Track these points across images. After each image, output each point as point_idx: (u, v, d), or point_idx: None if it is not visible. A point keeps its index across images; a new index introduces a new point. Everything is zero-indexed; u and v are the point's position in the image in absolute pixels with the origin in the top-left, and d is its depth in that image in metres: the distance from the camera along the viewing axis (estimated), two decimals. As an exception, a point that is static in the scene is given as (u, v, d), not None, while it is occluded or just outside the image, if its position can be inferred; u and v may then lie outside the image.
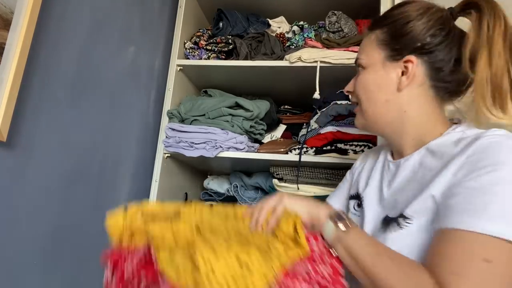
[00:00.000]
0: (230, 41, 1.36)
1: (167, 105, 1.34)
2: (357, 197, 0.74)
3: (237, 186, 1.45)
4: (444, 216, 0.52)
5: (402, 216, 0.58)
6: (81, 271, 0.99)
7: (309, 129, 1.29)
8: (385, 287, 0.51)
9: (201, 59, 1.38)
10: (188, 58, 1.40)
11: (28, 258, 0.80)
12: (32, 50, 0.75)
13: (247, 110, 1.29)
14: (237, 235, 0.59)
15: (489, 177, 0.50)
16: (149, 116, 1.31)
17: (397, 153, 0.70)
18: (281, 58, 1.30)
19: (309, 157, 1.19)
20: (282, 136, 1.48)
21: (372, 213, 0.67)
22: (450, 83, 0.64)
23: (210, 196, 1.55)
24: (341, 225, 0.59)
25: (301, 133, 1.35)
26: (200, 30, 1.46)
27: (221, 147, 1.24)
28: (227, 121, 1.28)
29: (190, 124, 1.31)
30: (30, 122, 0.78)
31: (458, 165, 0.54)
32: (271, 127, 1.48)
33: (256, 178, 1.43)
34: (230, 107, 1.29)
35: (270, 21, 1.46)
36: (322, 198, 0.87)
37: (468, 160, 0.53)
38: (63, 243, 0.91)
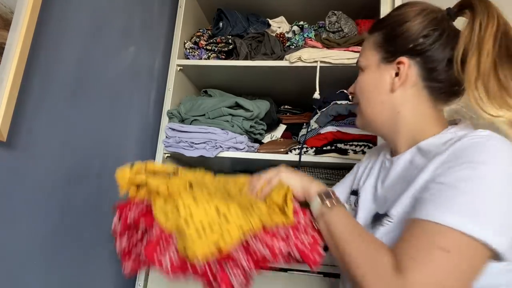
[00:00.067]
0: (230, 41, 1.36)
1: (167, 105, 1.34)
2: (356, 194, 0.76)
3: (237, 186, 1.45)
4: (415, 208, 0.55)
5: (386, 214, 0.61)
6: (81, 271, 0.99)
7: (309, 129, 1.29)
8: (350, 263, 0.54)
9: (201, 59, 1.38)
10: (188, 58, 1.40)
11: (28, 258, 0.80)
12: (32, 50, 0.75)
13: (247, 110, 1.29)
14: (224, 193, 0.64)
15: (462, 174, 0.52)
16: (149, 116, 1.31)
17: (393, 152, 0.71)
18: (281, 58, 1.30)
19: (309, 157, 1.19)
20: (282, 136, 1.48)
21: (365, 210, 0.69)
22: (443, 83, 0.64)
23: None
24: (327, 202, 0.62)
25: (301, 133, 1.35)
26: (200, 30, 1.46)
27: (221, 147, 1.24)
28: (227, 121, 1.28)
29: (190, 124, 1.31)
30: (30, 122, 0.78)
31: (438, 163, 0.56)
32: (271, 127, 1.48)
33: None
34: (230, 107, 1.29)
35: (270, 21, 1.46)
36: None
37: (448, 159, 0.55)
38: (63, 243, 0.91)
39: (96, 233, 1.04)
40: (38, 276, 0.83)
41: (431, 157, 0.59)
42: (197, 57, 1.39)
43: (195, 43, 1.41)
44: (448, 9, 0.67)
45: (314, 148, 1.21)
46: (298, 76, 1.32)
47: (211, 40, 1.39)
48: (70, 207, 0.92)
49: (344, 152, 1.17)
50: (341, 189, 0.83)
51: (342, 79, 1.24)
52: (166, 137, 1.30)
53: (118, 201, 0.63)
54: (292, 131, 1.50)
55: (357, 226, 0.60)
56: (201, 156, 1.24)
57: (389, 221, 0.60)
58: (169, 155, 1.32)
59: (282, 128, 1.51)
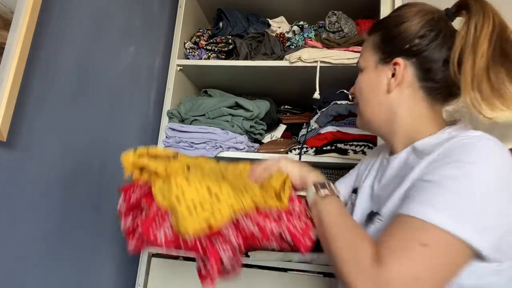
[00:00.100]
0: (230, 41, 1.36)
1: (167, 105, 1.34)
2: (356, 192, 0.77)
3: (237, 186, 1.45)
4: (401, 204, 0.56)
5: (378, 213, 0.62)
6: (81, 271, 0.99)
7: (309, 129, 1.29)
8: (334, 252, 0.55)
9: (201, 59, 1.38)
10: (188, 58, 1.40)
11: (28, 258, 0.80)
12: (32, 50, 0.75)
13: (247, 110, 1.29)
14: (219, 175, 0.67)
15: (448, 173, 0.53)
16: (149, 116, 1.31)
17: (392, 152, 0.72)
18: (281, 58, 1.30)
19: (309, 157, 1.19)
20: (282, 136, 1.48)
21: (361, 208, 0.71)
22: (440, 83, 0.65)
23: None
24: (321, 192, 0.65)
25: (301, 133, 1.35)
26: (200, 30, 1.46)
27: (221, 147, 1.24)
28: (227, 121, 1.28)
29: (190, 124, 1.31)
30: (30, 122, 0.78)
31: (427, 162, 0.57)
32: (271, 127, 1.48)
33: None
34: (230, 107, 1.29)
35: (270, 21, 1.46)
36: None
37: (436, 158, 0.57)
38: (63, 243, 0.91)
39: (96, 233, 1.04)
40: (38, 276, 0.83)
41: (423, 157, 0.60)
42: (197, 57, 1.39)
43: (195, 43, 1.41)
44: (447, 9, 0.67)
45: (314, 148, 1.21)
46: (298, 76, 1.32)
47: (211, 40, 1.39)
48: (70, 207, 0.92)
49: (344, 152, 1.17)
50: (344, 184, 0.84)
51: (342, 79, 1.24)
52: (166, 137, 1.31)
53: (123, 183, 0.67)
54: (292, 131, 1.50)
55: (347, 217, 0.61)
56: (201, 156, 1.24)
57: (380, 220, 0.61)
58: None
59: (282, 128, 1.51)
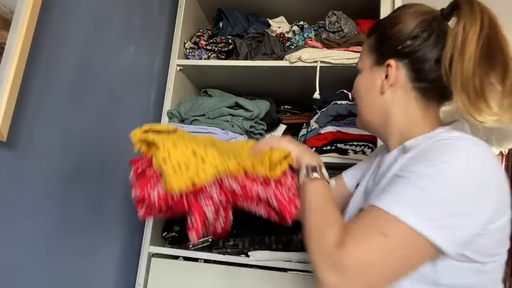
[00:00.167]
0: (230, 41, 1.36)
1: (167, 105, 1.34)
2: (356, 188, 0.79)
3: (237, 186, 1.45)
4: (375, 196, 0.58)
5: (362, 209, 0.65)
6: (81, 270, 0.99)
7: (309, 129, 1.29)
8: (307, 230, 0.59)
9: (201, 59, 1.38)
10: (188, 58, 1.40)
11: (28, 258, 0.80)
12: (32, 50, 0.75)
13: (247, 110, 1.29)
14: (210, 143, 0.71)
15: (419, 169, 0.54)
16: (149, 116, 1.31)
17: (388, 151, 0.73)
18: (281, 58, 1.30)
19: (309, 157, 1.19)
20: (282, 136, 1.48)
21: (356, 203, 0.73)
22: (432, 83, 0.65)
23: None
24: (311, 174, 0.67)
25: (301, 133, 1.35)
26: (200, 30, 1.46)
27: (221, 147, 1.24)
28: (227, 121, 1.28)
29: (190, 124, 1.31)
30: (30, 122, 0.78)
31: (406, 159, 0.60)
32: (271, 127, 1.48)
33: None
34: (230, 107, 1.29)
35: (270, 21, 1.46)
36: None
37: (415, 155, 0.59)
38: (63, 243, 0.91)
39: (96, 233, 1.04)
40: (38, 276, 0.83)
41: (405, 154, 0.62)
42: (197, 57, 1.39)
43: (195, 43, 1.41)
44: (442, 9, 0.67)
45: (314, 148, 1.21)
46: (298, 76, 1.32)
47: (211, 40, 1.39)
48: (70, 207, 0.92)
49: (344, 152, 1.17)
50: (350, 174, 0.87)
51: (342, 79, 1.24)
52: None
53: (133, 156, 0.74)
54: (292, 131, 1.49)
55: (327, 202, 0.63)
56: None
57: None
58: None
59: (282, 128, 1.51)
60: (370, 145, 1.16)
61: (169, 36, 1.39)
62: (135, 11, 1.19)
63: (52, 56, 0.84)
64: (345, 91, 1.28)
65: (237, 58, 1.33)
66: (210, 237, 1.24)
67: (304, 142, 1.23)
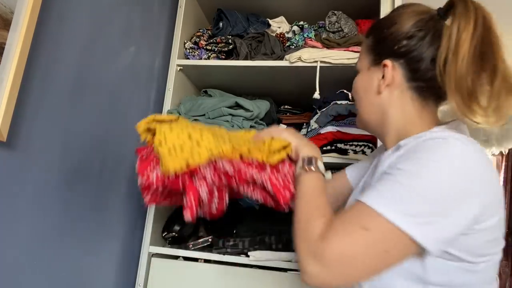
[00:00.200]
0: (230, 41, 1.35)
1: (167, 105, 1.34)
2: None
3: (237, 186, 1.45)
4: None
5: None
6: (81, 271, 0.99)
7: (309, 129, 1.29)
8: (295, 219, 0.61)
9: (201, 59, 1.38)
10: (188, 58, 1.40)
11: (28, 258, 0.80)
12: (32, 50, 0.75)
13: (247, 110, 1.29)
14: (208, 129, 0.72)
15: (405, 167, 0.55)
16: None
17: (386, 150, 0.74)
18: (281, 58, 1.30)
19: (309, 157, 1.19)
20: (282, 136, 1.48)
21: (351, 201, 0.74)
22: (429, 82, 0.65)
23: (210, 196, 1.55)
24: (306, 166, 0.68)
25: (301, 133, 1.35)
26: (200, 30, 1.46)
27: (221, 147, 1.24)
28: (227, 121, 1.28)
29: (190, 124, 1.30)
30: (30, 122, 0.78)
31: (396, 157, 0.61)
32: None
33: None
34: (230, 107, 1.29)
35: (270, 21, 1.46)
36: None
37: (403, 153, 0.59)
38: (63, 242, 0.91)
39: (96, 232, 1.04)
40: (38, 276, 0.83)
41: (396, 152, 0.62)
42: (197, 57, 1.39)
43: (195, 43, 1.41)
44: (439, 9, 0.67)
45: (314, 148, 1.20)
46: (298, 76, 1.32)
47: (211, 40, 1.39)
48: (70, 207, 0.92)
49: (344, 152, 1.17)
50: (354, 169, 0.87)
51: (342, 79, 1.24)
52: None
53: (139, 146, 0.78)
54: (292, 131, 1.49)
55: (319, 195, 0.64)
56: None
57: None
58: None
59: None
60: (370, 145, 1.16)
61: (169, 36, 1.39)
62: (135, 11, 1.19)
63: (52, 56, 0.84)
64: (345, 91, 1.28)
65: (237, 58, 1.33)
66: (210, 237, 1.24)
67: (304, 142, 1.23)
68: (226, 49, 1.36)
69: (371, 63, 0.71)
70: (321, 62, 1.20)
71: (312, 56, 1.20)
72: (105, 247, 1.10)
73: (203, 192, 0.67)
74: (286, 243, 1.16)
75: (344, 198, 0.83)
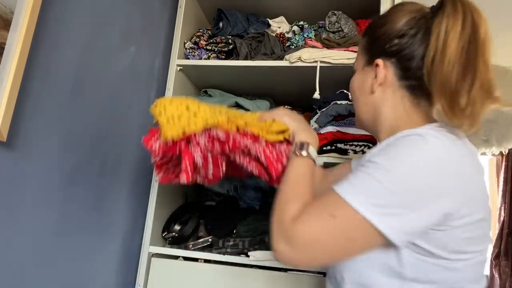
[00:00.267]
0: (230, 41, 1.35)
1: (167, 105, 1.34)
2: None
3: (237, 186, 1.45)
4: None
5: None
6: (81, 271, 0.99)
7: (309, 129, 1.29)
8: (276, 199, 0.64)
9: (201, 59, 1.38)
10: (188, 58, 1.40)
11: (28, 258, 0.80)
12: (32, 50, 0.75)
13: (247, 110, 1.29)
14: (208, 104, 0.77)
15: (377, 160, 0.57)
16: (149, 116, 1.31)
17: None
18: (281, 58, 1.30)
19: (309, 157, 1.19)
20: (282, 136, 1.48)
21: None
22: (419, 81, 0.64)
23: (210, 196, 1.55)
24: (297, 151, 0.71)
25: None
26: (200, 30, 1.46)
27: (221, 147, 1.24)
28: (227, 121, 1.28)
29: (190, 124, 1.30)
30: (30, 122, 0.78)
31: (372, 152, 0.62)
32: (271, 127, 1.48)
33: (256, 178, 1.43)
34: (230, 107, 1.29)
35: (270, 21, 1.46)
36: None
37: (381, 148, 0.61)
38: (63, 243, 0.91)
39: (96, 233, 1.04)
40: (38, 276, 0.83)
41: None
42: (197, 57, 1.39)
43: (195, 43, 1.41)
44: (432, 7, 0.66)
45: (314, 148, 1.20)
46: (298, 76, 1.32)
47: (211, 40, 1.39)
48: (70, 207, 0.92)
49: (344, 152, 1.17)
50: (358, 162, 0.88)
51: (342, 79, 1.24)
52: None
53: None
54: (292, 131, 1.49)
55: (304, 181, 0.67)
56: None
57: None
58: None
59: (282, 128, 1.51)
60: (370, 145, 1.16)
61: (169, 36, 1.39)
62: (135, 11, 1.19)
63: (52, 56, 0.84)
64: (345, 91, 1.28)
65: (237, 58, 1.33)
66: (210, 237, 1.24)
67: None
68: (226, 49, 1.36)
69: (365, 63, 0.72)
70: (321, 62, 1.20)
71: (312, 56, 1.21)
72: (105, 247, 1.10)
73: (198, 157, 0.72)
74: (286, 243, 1.16)
75: None
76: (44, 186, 0.83)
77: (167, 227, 1.30)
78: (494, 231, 3.31)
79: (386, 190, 0.54)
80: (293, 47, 1.36)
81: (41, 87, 0.81)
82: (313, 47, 1.26)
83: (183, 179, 0.71)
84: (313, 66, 1.21)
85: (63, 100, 0.88)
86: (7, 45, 0.69)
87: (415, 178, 0.54)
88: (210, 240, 1.23)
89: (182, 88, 1.43)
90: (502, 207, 3.21)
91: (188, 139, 0.72)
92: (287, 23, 1.49)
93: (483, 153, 2.27)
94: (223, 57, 1.38)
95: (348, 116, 1.22)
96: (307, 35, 1.36)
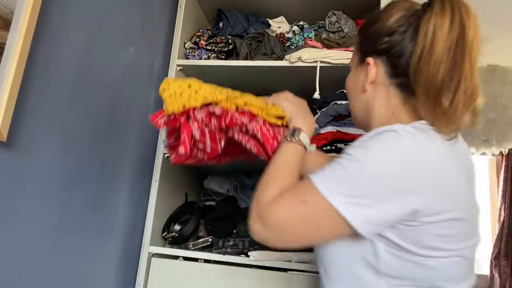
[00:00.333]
0: (230, 41, 1.35)
1: (167, 105, 1.34)
2: None
3: (237, 186, 1.45)
4: None
5: None
6: (81, 271, 0.99)
7: (309, 129, 1.29)
8: (261, 180, 0.67)
9: (201, 59, 1.38)
10: (188, 58, 1.40)
11: (28, 258, 0.80)
12: (32, 50, 0.75)
13: (247, 110, 1.29)
14: (211, 85, 0.82)
15: (349, 151, 0.59)
16: (149, 116, 1.31)
17: None
18: (281, 58, 1.30)
19: (309, 157, 1.19)
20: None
21: None
22: (408, 78, 0.64)
23: (210, 196, 1.55)
24: (289, 137, 0.73)
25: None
26: (200, 30, 1.46)
27: (221, 147, 1.24)
28: (227, 121, 1.28)
29: (190, 124, 1.30)
30: (30, 122, 0.78)
31: (351, 145, 0.63)
32: (271, 127, 1.48)
33: (256, 178, 1.43)
34: (230, 107, 1.29)
35: (270, 21, 1.46)
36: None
37: (358, 142, 0.62)
38: (63, 243, 0.91)
39: (95, 233, 1.04)
40: (38, 276, 0.83)
41: None
42: (197, 57, 1.39)
43: (195, 43, 1.41)
44: (423, 4, 0.66)
45: (314, 148, 1.20)
46: (298, 76, 1.32)
47: (211, 40, 1.39)
48: (70, 207, 0.92)
49: (344, 152, 1.17)
50: None
51: (342, 79, 1.22)
52: (166, 137, 1.30)
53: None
54: (292, 131, 1.49)
55: (288, 165, 0.69)
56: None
57: None
58: (169, 155, 1.31)
59: (282, 128, 1.51)
60: (370, 145, 1.15)
61: (169, 36, 1.39)
62: (135, 11, 1.19)
63: (52, 56, 0.84)
64: (345, 91, 1.28)
65: (237, 58, 1.33)
66: (210, 237, 1.24)
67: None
68: (226, 49, 1.36)
69: (358, 61, 0.73)
70: (321, 62, 1.20)
71: (312, 56, 1.21)
72: (105, 247, 1.10)
73: (195, 131, 0.77)
74: (286, 243, 1.16)
75: None
76: (44, 186, 0.84)
77: (167, 227, 1.30)
78: (494, 231, 3.31)
79: (355, 180, 0.56)
80: (293, 47, 1.36)
81: (41, 87, 0.81)
82: (313, 47, 1.26)
83: (181, 150, 0.75)
84: (313, 66, 1.21)
85: (63, 100, 0.88)
86: (7, 45, 0.69)
87: (384, 172, 0.56)
88: (210, 240, 1.23)
89: (182, 88, 1.43)
90: (502, 207, 3.22)
91: (188, 115, 0.77)
92: (287, 23, 1.49)
93: (483, 153, 2.28)
94: (223, 57, 1.38)
95: (348, 116, 1.22)
96: (307, 35, 1.36)
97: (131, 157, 1.20)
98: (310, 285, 1.10)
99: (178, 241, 1.27)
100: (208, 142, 0.79)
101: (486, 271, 3.21)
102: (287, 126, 0.78)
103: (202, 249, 1.23)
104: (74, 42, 0.91)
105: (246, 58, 1.31)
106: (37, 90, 0.80)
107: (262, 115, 0.77)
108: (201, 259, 1.20)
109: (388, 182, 0.55)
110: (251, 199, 0.67)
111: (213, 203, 1.49)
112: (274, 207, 0.59)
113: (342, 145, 1.18)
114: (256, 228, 0.61)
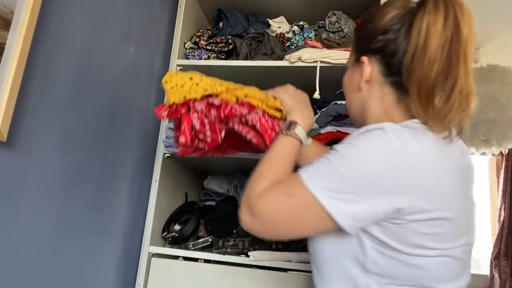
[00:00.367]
0: (230, 41, 1.36)
1: (167, 105, 1.34)
2: None
3: (237, 186, 1.45)
4: None
5: None
6: (81, 271, 0.99)
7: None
8: (254, 171, 0.68)
9: (201, 59, 1.38)
10: (188, 58, 1.40)
11: (28, 258, 0.80)
12: (32, 50, 0.75)
13: (247, 110, 1.29)
14: (213, 78, 0.83)
15: (338, 148, 0.60)
16: (149, 116, 1.31)
17: None
18: (281, 58, 1.30)
19: (309, 157, 1.19)
20: (282, 136, 1.48)
21: None
22: (401, 76, 0.64)
23: (210, 196, 1.55)
24: (285, 129, 0.74)
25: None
26: (200, 30, 1.46)
27: (221, 147, 1.24)
28: (227, 121, 1.28)
29: (190, 124, 1.30)
30: (30, 122, 0.78)
31: (342, 142, 0.64)
32: (271, 127, 1.48)
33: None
34: (230, 107, 1.29)
35: (270, 21, 1.46)
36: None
37: (348, 139, 0.62)
38: (63, 243, 0.91)
39: (95, 233, 1.04)
40: (38, 276, 0.83)
41: None
42: (197, 57, 1.39)
43: (195, 43, 1.41)
44: (418, 2, 0.65)
45: (314, 148, 1.20)
46: (298, 76, 1.32)
47: (211, 40, 1.39)
48: (70, 207, 0.92)
49: (344, 152, 1.17)
50: None
51: (342, 79, 1.24)
52: (166, 137, 1.30)
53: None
54: (292, 131, 1.49)
55: (284, 159, 0.70)
56: (201, 156, 1.24)
57: None
58: (169, 155, 1.32)
59: (282, 128, 1.51)
60: (370, 145, 1.15)
61: (169, 36, 1.39)
62: (135, 11, 1.19)
63: (52, 56, 0.84)
64: (344, 91, 1.28)
65: (237, 58, 1.33)
66: (210, 237, 1.24)
67: (304, 142, 1.23)
68: (226, 49, 1.36)
69: (353, 60, 0.73)
70: (321, 62, 1.20)
71: (312, 56, 1.20)
72: (105, 247, 1.10)
73: (195, 121, 0.79)
74: (286, 243, 1.16)
75: None
76: (44, 186, 0.84)
77: (167, 227, 1.30)
78: (494, 231, 3.31)
79: (340, 176, 0.57)
80: (293, 47, 1.36)
81: (41, 87, 0.81)
82: (313, 47, 1.26)
83: (182, 140, 0.78)
84: (313, 66, 1.21)
85: (63, 100, 0.88)
86: (7, 45, 0.69)
87: (368, 169, 0.56)
88: (210, 240, 1.23)
89: (182, 88, 1.43)
90: (502, 207, 3.21)
91: (188, 107, 0.80)
92: (287, 23, 1.49)
93: (483, 153, 2.28)
94: (223, 57, 1.38)
95: (348, 116, 1.21)
96: (307, 35, 1.36)
97: (131, 157, 1.20)
98: (310, 285, 1.09)
99: (178, 241, 1.27)
100: (208, 132, 0.81)
101: (486, 271, 3.21)
102: (285, 119, 0.79)
103: (202, 249, 1.23)
104: (74, 42, 0.91)
105: (246, 58, 1.31)
106: (37, 90, 0.80)
107: (262, 106, 0.79)
108: (201, 259, 1.20)
109: (373, 180, 0.56)
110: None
111: (213, 203, 1.49)
112: (262, 199, 0.61)
113: (342, 145, 1.18)
114: (245, 218, 0.63)
